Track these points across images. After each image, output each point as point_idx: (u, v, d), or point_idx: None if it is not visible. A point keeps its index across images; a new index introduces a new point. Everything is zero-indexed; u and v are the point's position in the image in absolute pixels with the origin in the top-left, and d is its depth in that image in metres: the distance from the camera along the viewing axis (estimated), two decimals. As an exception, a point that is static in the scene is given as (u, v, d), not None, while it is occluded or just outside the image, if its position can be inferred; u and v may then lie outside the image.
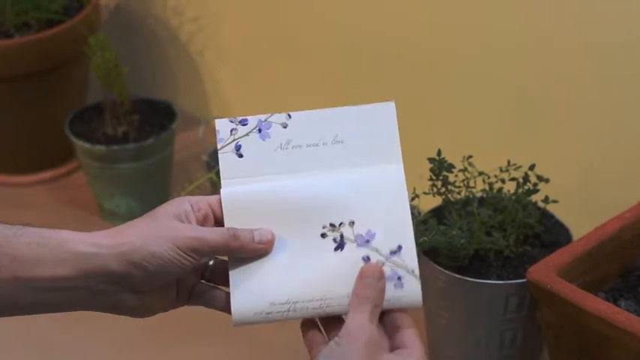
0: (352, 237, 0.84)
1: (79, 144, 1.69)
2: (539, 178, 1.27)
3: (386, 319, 0.82)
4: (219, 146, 0.87)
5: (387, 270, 0.82)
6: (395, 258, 0.82)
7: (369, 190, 0.85)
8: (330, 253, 0.84)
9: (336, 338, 0.78)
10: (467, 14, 1.47)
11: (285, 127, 0.87)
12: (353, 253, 0.83)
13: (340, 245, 0.84)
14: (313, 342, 0.83)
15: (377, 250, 0.83)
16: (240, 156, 0.87)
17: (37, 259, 0.79)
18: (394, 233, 0.83)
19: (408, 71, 1.57)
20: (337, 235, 0.84)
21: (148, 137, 1.69)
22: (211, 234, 0.83)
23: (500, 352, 1.29)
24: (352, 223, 0.84)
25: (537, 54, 1.42)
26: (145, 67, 1.99)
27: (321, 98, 1.72)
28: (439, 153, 1.21)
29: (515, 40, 1.43)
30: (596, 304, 1.12)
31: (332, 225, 0.84)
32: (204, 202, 0.86)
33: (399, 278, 0.82)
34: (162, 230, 0.82)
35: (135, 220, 0.84)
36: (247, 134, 0.87)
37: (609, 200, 1.36)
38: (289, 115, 0.87)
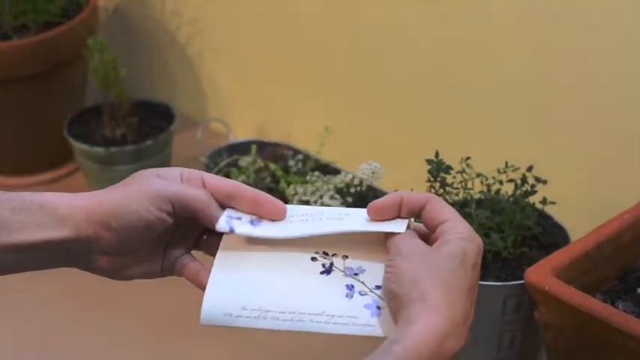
0: (342, 268, 0.83)
1: (78, 146, 1.69)
2: (537, 179, 1.27)
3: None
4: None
5: (368, 299, 0.81)
6: (378, 291, 0.81)
7: (370, 236, 0.84)
8: (314, 274, 0.83)
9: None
10: (465, 15, 1.47)
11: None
12: (337, 280, 0.82)
13: (327, 271, 0.83)
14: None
15: (362, 283, 0.82)
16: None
17: (20, 224, 0.80)
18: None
19: (407, 72, 1.56)
20: (327, 262, 0.84)
21: (146, 139, 1.69)
22: (188, 187, 0.82)
23: (498, 353, 1.29)
24: (345, 257, 0.84)
25: (537, 55, 1.42)
26: (143, 69, 1.99)
27: (320, 103, 1.72)
28: (437, 154, 1.21)
29: (515, 41, 1.43)
30: (594, 306, 1.11)
31: (325, 253, 0.84)
32: (197, 174, 0.84)
33: (378, 308, 0.81)
34: (134, 187, 0.82)
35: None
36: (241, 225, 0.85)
37: (608, 201, 1.36)
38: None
